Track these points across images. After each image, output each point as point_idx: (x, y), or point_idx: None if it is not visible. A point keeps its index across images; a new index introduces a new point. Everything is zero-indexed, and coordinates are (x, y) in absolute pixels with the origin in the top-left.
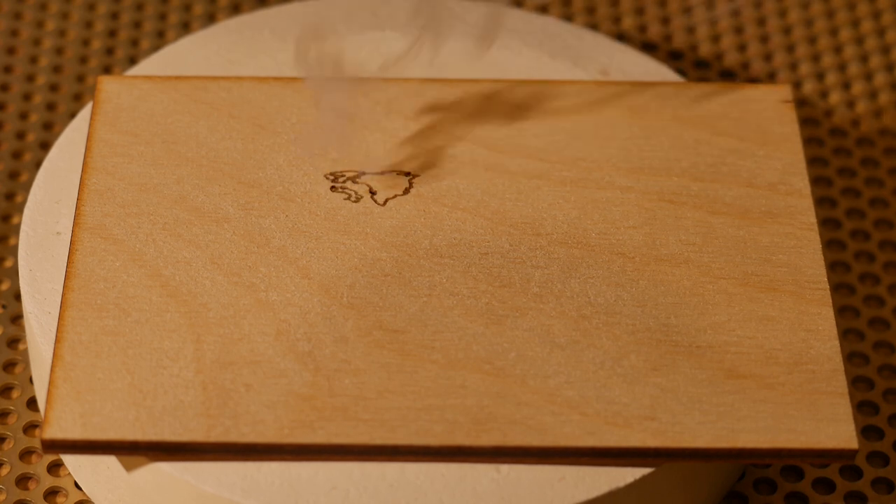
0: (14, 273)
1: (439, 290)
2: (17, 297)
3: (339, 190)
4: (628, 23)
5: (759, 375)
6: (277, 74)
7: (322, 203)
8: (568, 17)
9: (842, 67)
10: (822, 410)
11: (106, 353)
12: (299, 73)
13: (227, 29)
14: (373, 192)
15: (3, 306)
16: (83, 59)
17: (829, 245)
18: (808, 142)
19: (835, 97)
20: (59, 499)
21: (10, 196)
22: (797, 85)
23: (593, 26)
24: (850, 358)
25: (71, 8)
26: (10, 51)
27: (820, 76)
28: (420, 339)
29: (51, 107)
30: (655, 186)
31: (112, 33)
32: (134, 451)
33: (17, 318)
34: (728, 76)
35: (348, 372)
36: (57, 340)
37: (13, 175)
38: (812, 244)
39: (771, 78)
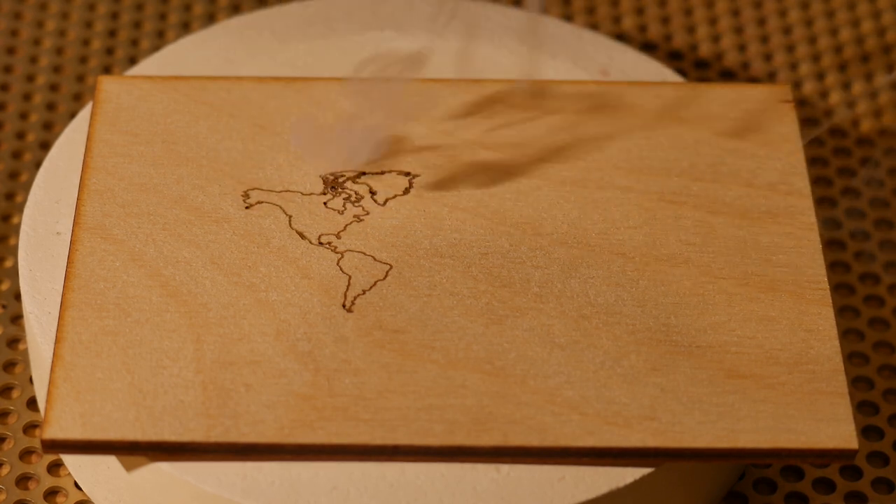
0: (14, 273)
1: (439, 290)
2: (17, 297)
3: (340, 190)
4: (628, 23)
5: (759, 375)
6: (277, 74)
7: (322, 203)
8: (568, 17)
9: (842, 67)
10: (822, 410)
11: (106, 353)
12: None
13: (227, 29)
14: (373, 192)
15: (3, 306)
16: (83, 59)
17: (829, 245)
18: (809, 142)
19: (835, 97)
20: (59, 499)
21: (10, 196)
22: (797, 85)
23: (593, 26)
24: (850, 358)
25: (71, 8)
26: (10, 51)
27: (820, 76)
28: (420, 339)
29: (51, 107)
30: (655, 186)
31: (112, 33)
32: (134, 451)
33: (17, 318)
34: (728, 76)
35: (348, 372)
36: (57, 340)
37: (13, 175)
38: (812, 244)
39: (771, 78)
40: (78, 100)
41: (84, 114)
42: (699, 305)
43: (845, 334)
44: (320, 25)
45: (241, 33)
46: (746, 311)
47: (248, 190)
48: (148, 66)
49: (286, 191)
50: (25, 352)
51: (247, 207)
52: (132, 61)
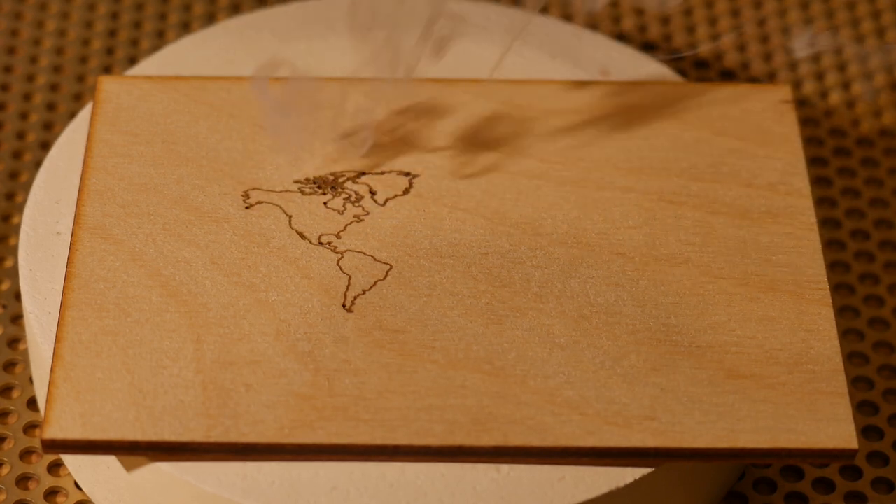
0: (14, 273)
1: (439, 290)
2: (17, 297)
3: (339, 190)
4: (628, 23)
5: (759, 375)
6: None
7: (322, 203)
8: (568, 17)
9: (842, 67)
10: (822, 410)
11: (106, 353)
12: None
13: (227, 29)
14: (373, 192)
15: (4, 306)
16: (83, 59)
17: (829, 245)
18: (808, 142)
19: (835, 97)
20: (59, 499)
21: (10, 196)
22: (797, 85)
23: (593, 26)
24: (850, 358)
25: (71, 8)
26: (10, 51)
27: (820, 76)
28: (420, 339)
29: (51, 107)
30: (655, 186)
31: (112, 33)
32: (134, 451)
33: (17, 318)
34: (728, 76)
35: (348, 372)
36: (57, 340)
37: (13, 175)
38: (812, 244)
39: (771, 78)
40: (78, 100)
41: (84, 114)
42: (699, 305)
43: (845, 334)
44: (320, 25)
45: (241, 33)
46: (746, 311)
47: (248, 190)
48: (148, 66)
49: (286, 191)
50: (25, 352)
51: (247, 207)
52: (132, 61)
